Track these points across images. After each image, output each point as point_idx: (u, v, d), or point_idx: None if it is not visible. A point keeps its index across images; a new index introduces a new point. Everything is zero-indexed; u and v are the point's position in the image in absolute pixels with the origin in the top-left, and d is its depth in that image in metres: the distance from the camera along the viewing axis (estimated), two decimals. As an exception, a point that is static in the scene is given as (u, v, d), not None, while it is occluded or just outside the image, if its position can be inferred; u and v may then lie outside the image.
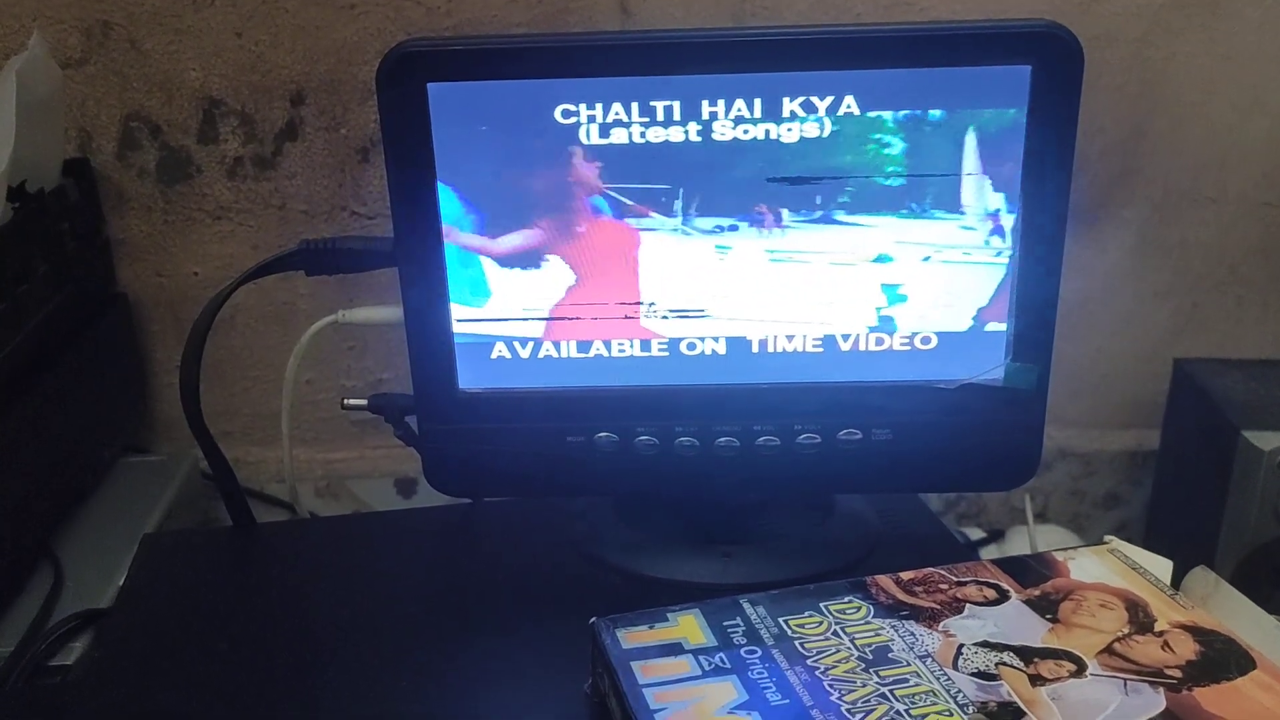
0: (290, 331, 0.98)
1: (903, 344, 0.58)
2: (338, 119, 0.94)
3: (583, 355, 0.58)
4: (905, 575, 0.54)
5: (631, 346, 0.58)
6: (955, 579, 0.54)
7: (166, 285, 0.98)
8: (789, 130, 0.54)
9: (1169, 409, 0.97)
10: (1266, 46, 0.93)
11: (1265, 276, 1.00)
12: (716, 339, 0.58)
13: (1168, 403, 0.97)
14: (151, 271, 0.98)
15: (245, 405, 1.01)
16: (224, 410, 1.01)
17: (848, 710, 0.45)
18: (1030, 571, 0.54)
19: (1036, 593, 0.53)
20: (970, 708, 0.45)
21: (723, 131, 0.54)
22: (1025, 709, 0.45)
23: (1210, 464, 0.87)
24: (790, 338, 0.58)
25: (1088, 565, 0.55)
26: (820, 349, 0.58)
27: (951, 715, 0.44)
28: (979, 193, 0.54)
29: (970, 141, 0.54)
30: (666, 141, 0.54)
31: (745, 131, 0.54)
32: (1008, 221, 0.55)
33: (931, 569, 0.54)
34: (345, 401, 0.62)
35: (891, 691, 0.46)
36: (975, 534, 1.00)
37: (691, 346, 0.58)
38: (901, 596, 0.52)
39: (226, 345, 1.00)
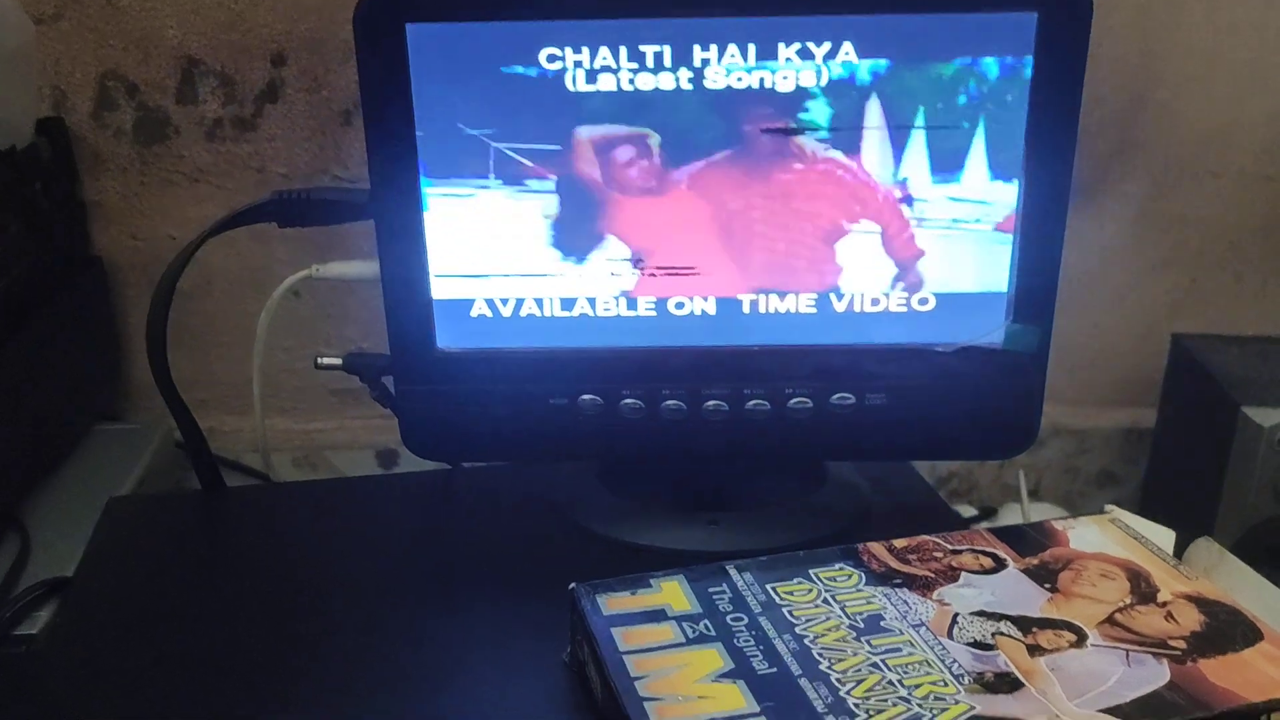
0: (267, 297, 0.96)
1: (899, 305, 0.56)
2: (320, 80, 0.92)
3: (566, 314, 0.56)
4: (899, 543, 0.52)
5: (617, 305, 0.56)
6: (950, 547, 0.52)
7: (142, 249, 0.95)
8: (784, 78, 0.51)
9: (1167, 385, 0.95)
10: (1269, 18, 0.92)
11: (1265, 252, 0.98)
12: (706, 299, 0.56)
13: (1165, 378, 0.95)
14: (127, 235, 0.95)
15: (222, 373, 0.99)
16: (200, 379, 0.99)
17: (838, 680, 0.43)
18: (1028, 540, 0.52)
19: (1035, 562, 0.51)
20: (966, 678, 0.43)
21: (715, 79, 0.51)
22: (1023, 680, 0.43)
23: (1209, 441, 0.86)
24: (783, 298, 0.56)
25: (1088, 535, 0.53)
26: (814, 310, 0.56)
27: (946, 685, 0.43)
28: (981, 147, 0.52)
29: (973, 92, 0.51)
30: (656, 89, 0.51)
31: (739, 79, 0.51)
32: (1011, 177, 0.53)
33: (926, 537, 0.52)
34: (319, 360, 0.60)
35: (884, 661, 0.44)
36: (967, 511, 0.98)
37: (680, 306, 0.56)
38: (895, 564, 0.50)
39: (201, 312, 0.98)
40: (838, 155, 0.53)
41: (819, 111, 0.52)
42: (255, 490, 0.72)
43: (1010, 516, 0.96)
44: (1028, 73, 0.51)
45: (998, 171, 0.53)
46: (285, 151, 0.94)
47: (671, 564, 0.50)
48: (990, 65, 0.51)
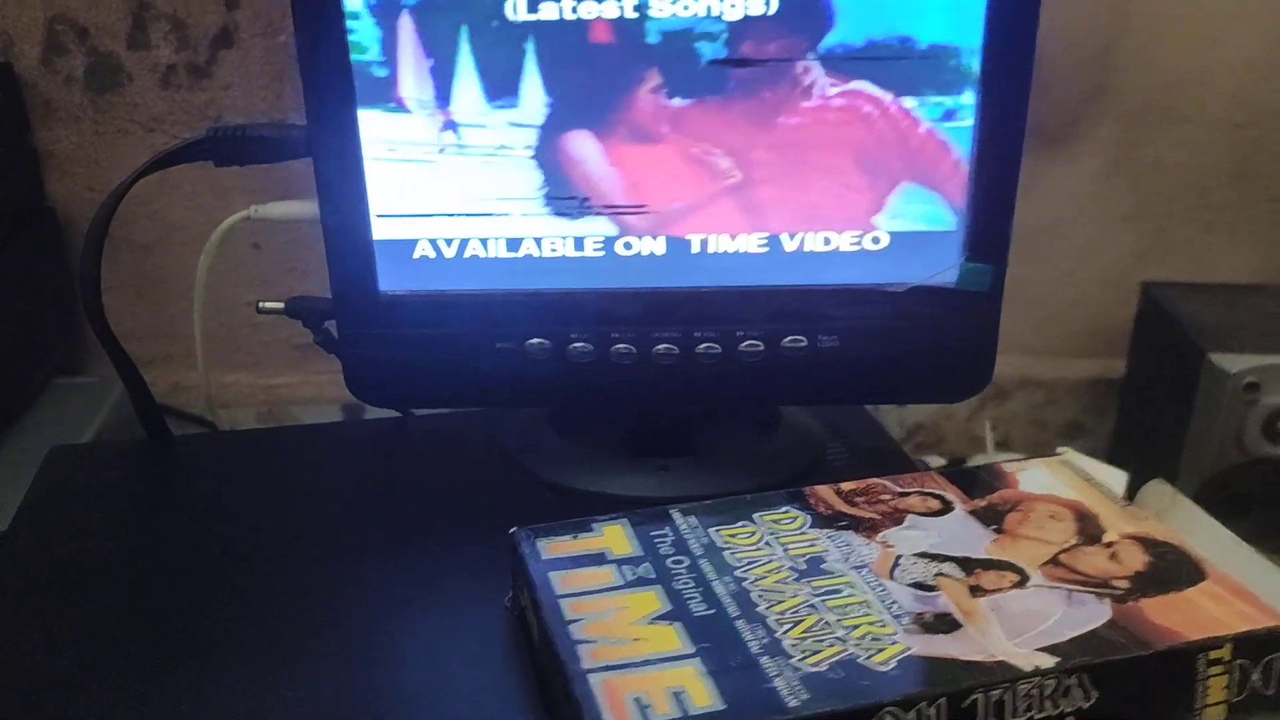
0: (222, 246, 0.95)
1: (852, 245, 0.54)
2: (275, 25, 0.90)
3: (512, 255, 0.55)
4: (846, 486, 0.51)
5: (564, 246, 0.54)
6: (899, 489, 0.51)
7: (98, 200, 0.92)
8: (732, 7, 0.50)
9: (1135, 334, 0.95)
10: (1244, -41, 0.90)
11: (1236, 200, 0.97)
12: (655, 238, 0.55)
13: (1134, 327, 0.95)
14: (82, 185, 0.94)
15: (184, 328, 0.97)
16: (162, 333, 0.98)
17: (775, 621, 0.42)
18: (978, 482, 0.52)
19: (983, 504, 0.50)
20: (905, 618, 0.42)
21: (660, 7, 0.50)
22: (962, 620, 0.42)
23: (1176, 389, 0.85)
24: (733, 238, 0.55)
25: (1038, 476, 0.52)
26: (765, 250, 0.55)
27: (884, 626, 0.42)
28: (932, 74, 0.51)
29: (926, 13, 0.50)
30: (599, 17, 0.50)
31: (685, 8, 0.50)
32: (965, 105, 0.52)
33: (875, 479, 0.52)
34: (261, 304, 0.58)
35: (823, 602, 0.43)
36: (935, 462, 0.98)
37: (628, 246, 0.55)
38: (841, 507, 0.50)
39: (162, 266, 0.96)
40: (784, 89, 0.51)
41: (770, 40, 0.50)
42: (200, 439, 0.71)
43: (978, 467, 0.96)
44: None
45: (951, 99, 0.52)
46: (243, 99, 0.92)
47: (621, 510, 0.49)
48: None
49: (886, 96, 0.51)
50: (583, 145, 0.52)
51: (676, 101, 0.51)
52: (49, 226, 0.92)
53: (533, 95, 0.51)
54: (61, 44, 0.89)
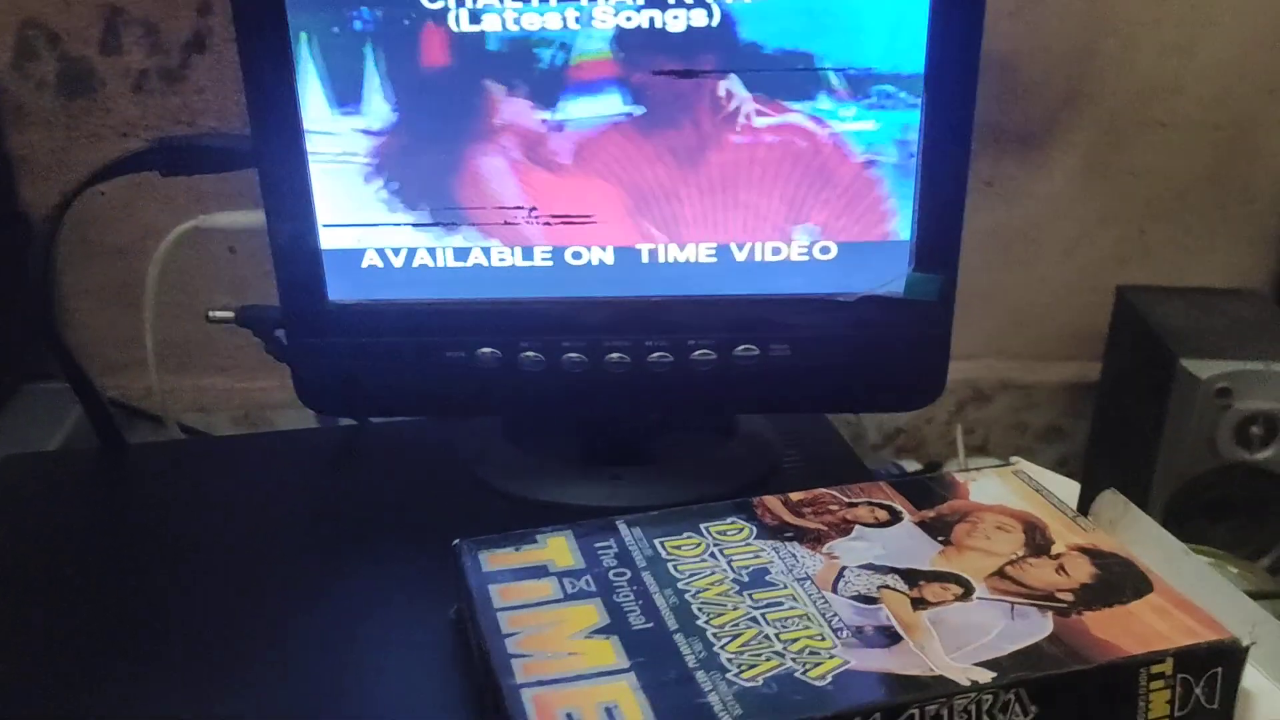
0: (198, 255, 0.94)
1: (801, 254, 0.54)
2: (246, 29, 0.90)
3: (460, 264, 0.54)
4: (795, 496, 0.51)
5: (513, 255, 0.54)
6: (847, 500, 0.51)
7: (73, 206, 0.93)
8: (675, 18, 0.50)
9: (1111, 337, 0.94)
10: (1218, -35, 0.90)
11: (1213, 203, 0.97)
12: (604, 248, 0.54)
13: (1110, 331, 0.94)
14: (55, 191, 0.93)
15: (156, 332, 0.97)
16: (137, 338, 0.97)
17: (714, 634, 0.42)
18: (928, 493, 0.51)
19: (931, 514, 0.50)
20: (845, 632, 0.42)
21: (603, 18, 0.50)
22: (903, 633, 0.42)
23: (1149, 394, 0.85)
24: (682, 248, 0.54)
25: (989, 487, 0.52)
26: (714, 259, 0.54)
27: (823, 640, 0.42)
28: (878, 87, 0.51)
29: (870, 24, 0.49)
30: (543, 29, 0.50)
31: (628, 19, 0.50)
32: (909, 119, 0.51)
33: (824, 490, 0.51)
34: (210, 313, 0.58)
35: (763, 615, 0.43)
36: (913, 466, 0.98)
37: (577, 256, 0.54)
38: (788, 518, 0.49)
39: (138, 269, 0.96)
40: (737, 101, 0.51)
41: (711, 50, 0.50)
42: (154, 447, 0.70)
43: (954, 472, 0.95)
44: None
45: (897, 114, 0.51)
46: (216, 104, 0.92)
47: (573, 519, 0.49)
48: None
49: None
50: (529, 151, 0.52)
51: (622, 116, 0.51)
52: (20, 231, 0.92)
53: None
54: (33, 49, 0.89)
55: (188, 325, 0.96)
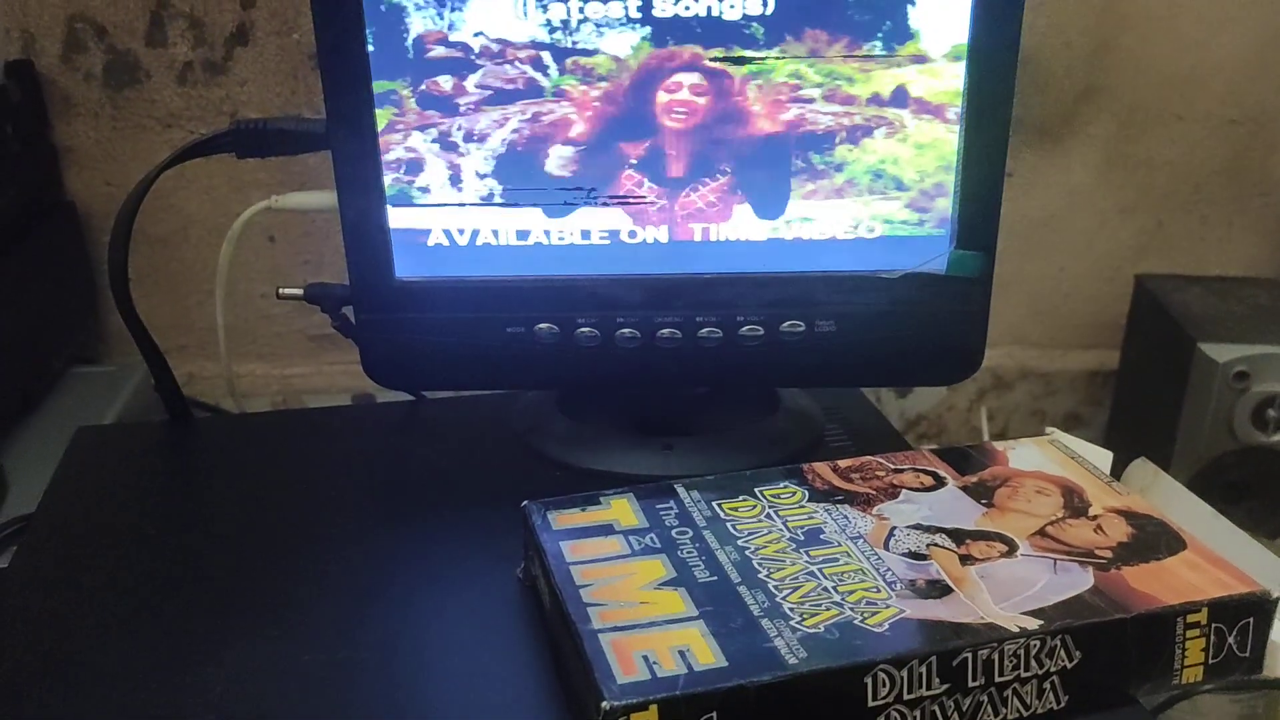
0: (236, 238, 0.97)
1: (847, 233, 0.57)
2: (290, 23, 0.92)
3: (522, 243, 0.57)
4: (843, 463, 0.53)
5: (571, 234, 0.57)
6: (893, 466, 0.53)
7: (116, 195, 0.96)
8: (731, 7, 0.52)
9: (1129, 325, 0.97)
10: (1235, -40, 0.92)
11: (1230, 194, 0.99)
12: (659, 227, 0.57)
13: (1128, 319, 0.97)
14: (101, 180, 0.96)
15: (199, 319, 1.00)
16: (178, 324, 1.00)
17: (775, 587, 0.44)
18: (969, 460, 0.54)
19: (974, 480, 0.52)
20: (899, 585, 0.45)
21: (663, 7, 0.52)
22: (953, 586, 0.45)
23: (1167, 379, 0.87)
24: (734, 227, 0.57)
25: (1027, 455, 0.54)
26: (764, 238, 0.57)
27: (879, 591, 0.44)
28: (926, 74, 0.53)
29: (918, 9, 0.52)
30: (606, 17, 0.52)
31: (686, 8, 0.52)
32: (954, 102, 0.54)
33: (870, 457, 0.54)
34: (280, 290, 0.61)
35: (820, 570, 0.46)
36: (934, 452, 1.00)
37: (633, 235, 0.57)
38: (837, 483, 0.52)
39: (180, 259, 0.99)
40: (787, 85, 0.54)
41: (767, 38, 0.53)
42: (222, 420, 0.73)
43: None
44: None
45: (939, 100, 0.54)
46: (258, 95, 0.95)
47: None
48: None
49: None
50: (592, 133, 0.55)
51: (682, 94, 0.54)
52: (68, 219, 0.94)
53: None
54: (81, 42, 0.91)
55: (227, 313, 0.99)
